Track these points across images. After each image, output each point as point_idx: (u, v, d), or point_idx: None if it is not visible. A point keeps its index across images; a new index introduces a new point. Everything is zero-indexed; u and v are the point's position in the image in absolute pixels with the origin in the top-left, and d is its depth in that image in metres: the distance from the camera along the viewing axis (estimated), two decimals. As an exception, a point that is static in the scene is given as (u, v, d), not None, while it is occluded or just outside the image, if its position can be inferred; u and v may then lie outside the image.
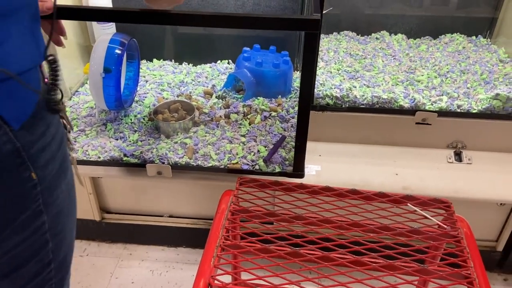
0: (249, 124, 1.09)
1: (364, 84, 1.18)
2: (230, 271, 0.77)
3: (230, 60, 1.37)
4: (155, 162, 0.98)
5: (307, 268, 0.74)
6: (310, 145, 1.12)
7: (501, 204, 1.15)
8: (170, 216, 1.30)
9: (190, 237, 1.33)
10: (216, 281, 0.73)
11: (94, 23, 1.17)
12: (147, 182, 1.20)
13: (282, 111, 1.13)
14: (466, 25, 1.42)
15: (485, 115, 1.08)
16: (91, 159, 1.03)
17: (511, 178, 1.07)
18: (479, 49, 1.35)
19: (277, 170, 0.97)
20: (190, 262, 1.33)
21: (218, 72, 1.31)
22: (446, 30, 1.43)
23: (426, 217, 0.84)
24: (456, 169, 1.10)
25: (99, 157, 1.01)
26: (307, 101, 0.86)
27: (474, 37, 1.41)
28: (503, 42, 1.35)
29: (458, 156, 1.12)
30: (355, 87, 1.15)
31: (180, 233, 1.31)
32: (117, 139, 1.04)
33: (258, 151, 1.00)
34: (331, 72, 1.23)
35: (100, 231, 1.35)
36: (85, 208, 1.26)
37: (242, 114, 1.12)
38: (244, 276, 0.77)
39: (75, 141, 1.06)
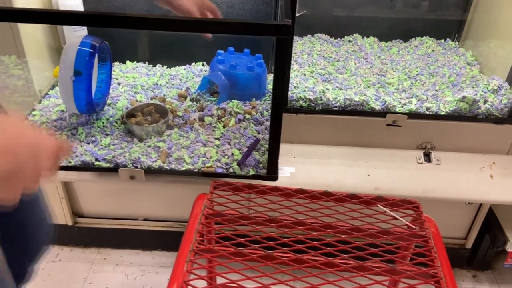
0: (224, 127, 1.09)
1: (337, 87, 1.19)
2: (204, 276, 0.77)
3: (204, 63, 1.36)
4: (128, 166, 0.97)
5: (280, 271, 0.75)
6: (284, 147, 1.14)
7: (469, 203, 1.19)
8: (145, 220, 1.29)
9: (166, 240, 1.32)
10: (189, 286, 0.72)
11: (64, 25, 1.14)
12: (120, 186, 1.19)
13: (256, 113, 1.14)
14: (435, 28, 1.46)
15: (453, 117, 1.12)
16: (61, 164, 1.01)
17: (478, 177, 1.11)
18: (448, 52, 1.39)
19: (251, 173, 0.98)
20: (166, 266, 1.32)
21: (193, 74, 1.31)
22: (416, 33, 1.47)
23: (395, 218, 0.86)
24: (426, 169, 1.13)
25: (70, 162, 0.99)
26: (280, 105, 0.87)
27: (443, 40, 1.45)
28: (470, 45, 1.39)
29: (427, 157, 1.15)
30: (328, 89, 1.17)
31: (155, 236, 1.30)
32: (88, 143, 1.03)
33: (232, 154, 1.01)
34: (304, 75, 1.25)
35: (72, 235, 1.32)
36: (57, 212, 1.24)
37: (217, 117, 1.12)
38: (218, 280, 0.77)
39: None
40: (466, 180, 1.10)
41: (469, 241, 1.28)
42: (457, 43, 1.44)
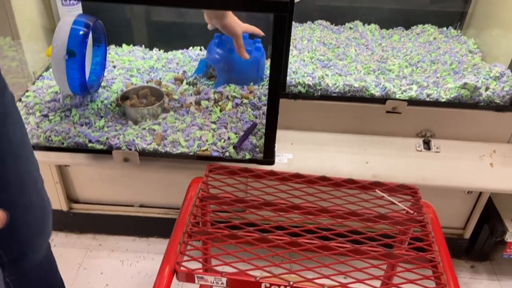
0: (220, 111, 1.07)
1: (337, 73, 1.18)
2: (197, 257, 0.75)
3: (202, 47, 1.34)
4: (122, 148, 0.96)
5: (275, 254, 0.74)
6: (282, 133, 1.12)
7: (468, 192, 1.18)
8: (141, 206, 1.28)
9: (162, 227, 1.31)
10: (182, 267, 0.71)
11: (58, 4, 1.12)
12: (115, 170, 1.17)
13: (254, 98, 1.12)
14: (437, 16, 1.44)
15: (453, 104, 1.10)
16: (54, 145, 0.99)
17: (478, 166, 1.09)
18: (450, 40, 1.37)
19: (247, 157, 0.96)
20: (162, 253, 1.28)
21: (190, 58, 1.29)
22: (418, 21, 1.45)
23: (393, 203, 0.84)
24: (425, 157, 1.11)
25: (63, 143, 0.97)
26: (276, 86, 0.85)
27: (445, 28, 1.43)
28: (472, 34, 1.37)
29: (427, 145, 1.14)
30: (328, 75, 1.15)
31: (151, 223, 1.29)
32: (82, 125, 1.01)
33: (229, 138, 0.99)
34: (304, 61, 1.23)
35: (68, 221, 1.31)
36: (52, 197, 1.22)
37: (213, 101, 1.10)
38: (212, 262, 0.75)
39: (37, 127, 1.02)
40: (465, 168, 1.09)
41: (467, 231, 1.27)
42: (459, 31, 1.42)
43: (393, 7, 1.44)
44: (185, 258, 0.74)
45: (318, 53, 1.27)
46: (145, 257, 1.30)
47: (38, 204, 0.75)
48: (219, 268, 0.70)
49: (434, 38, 1.38)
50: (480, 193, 1.18)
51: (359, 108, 1.12)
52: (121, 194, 1.25)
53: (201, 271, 0.71)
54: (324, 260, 0.72)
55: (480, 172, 1.08)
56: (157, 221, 1.28)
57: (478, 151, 1.13)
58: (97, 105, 1.06)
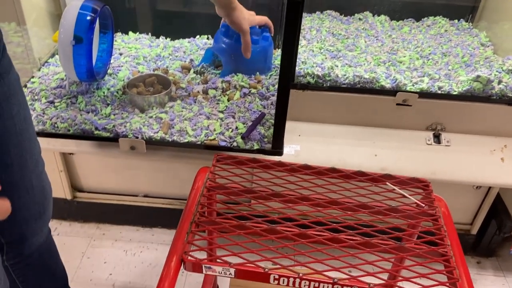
0: (228, 100, 1.06)
1: (346, 64, 1.16)
2: (205, 247, 0.74)
3: (209, 36, 1.32)
4: (129, 136, 0.94)
5: (284, 245, 0.72)
6: (289, 125, 1.10)
7: (477, 187, 1.16)
8: (145, 196, 1.27)
9: (166, 218, 1.30)
10: (189, 257, 0.70)
11: (65, -11, 1.10)
12: (121, 160, 1.16)
13: (262, 88, 1.10)
14: (448, 9, 1.41)
15: (465, 97, 1.08)
16: (60, 132, 0.98)
17: (488, 160, 1.08)
18: (461, 32, 1.35)
19: (256, 147, 0.95)
20: (166, 243, 1.30)
21: (197, 47, 1.27)
22: (428, 13, 1.42)
23: (404, 196, 0.83)
24: (435, 151, 1.10)
25: (69, 130, 0.96)
26: (288, 75, 0.83)
27: (456, 21, 1.40)
28: (484, 27, 1.35)
29: (437, 138, 1.12)
30: (337, 66, 1.13)
31: (155, 213, 1.28)
32: (88, 112, 0.99)
33: (237, 127, 0.97)
34: (313, 51, 1.21)
35: (71, 210, 1.30)
36: (56, 186, 1.21)
37: (221, 90, 1.08)
38: (219, 253, 0.74)
39: (43, 113, 1.01)
40: (475, 163, 1.07)
41: (474, 227, 1.26)
42: (470, 24, 1.39)
43: (403, -1, 1.42)
44: (192, 247, 0.73)
45: (327, 43, 1.25)
46: (148, 247, 1.29)
47: (39, 188, 0.74)
48: (226, 259, 0.69)
49: (445, 31, 1.36)
50: (489, 188, 1.17)
51: (368, 100, 1.10)
52: (125, 183, 1.24)
53: (209, 261, 0.70)
54: (334, 252, 0.70)
55: (490, 167, 1.07)
56: (161, 211, 1.27)
57: (489, 145, 1.11)
58: (103, 93, 1.05)
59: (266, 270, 0.68)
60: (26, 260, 0.79)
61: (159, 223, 1.33)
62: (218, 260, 0.70)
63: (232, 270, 0.70)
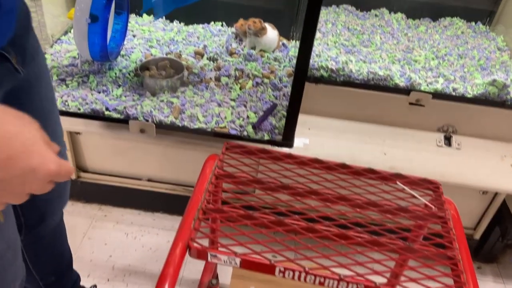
0: (240, 88, 1.05)
1: (361, 59, 1.14)
2: (211, 235, 0.73)
3: (223, 22, 1.30)
4: (139, 119, 0.93)
5: (291, 238, 0.72)
6: (300, 118, 1.08)
7: (483, 192, 1.15)
8: (149, 180, 1.26)
9: (168, 203, 1.29)
10: (195, 244, 0.69)
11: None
12: (127, 141, 1.15)
13: (275, 78, 1.09)
14: (466, 10, 1.39)
15: (480, 100, 1.07)
16: (70, 111, 0.97)
17: (498, 166, 1.07)
18: (478, 35, 1.33)
19: (266, 138, 0.94)
20: (166, 228, 1.30)
21: (211, 34, 1.25)
22: (445, 13, 1.41)
23: (414, 196, 0.82)
24: (445, 153, 1.09)
25: (79, 109, 0.95)
26: (305, 67, 0.82)
27: (473, 23, 1.38)
28: (501, 31, 1.33)
29: (448, 141, 1.11)
30: (351, 61, 1.11)
31: (158, 198, 1.28)
32: (99, 92, 0.98)
33: (248, 117, 0.96)
34: (327, 44, 1.19)
35: (75, 190, 1.30)
36: (61, 164, 1.21)
37: (234, 78, 1.07)
38: (224, 241, 0.74)
39: (54, 90, 0.99)
40: (484, 168, 1.06)
41: (478, 232, 1.25)
42: (488, 27, 1.37)
43: (421, -2, 1.40)
44: (199, 234, 0.72)
45: (342, 37, 1.23)
46: (149, 231, 1.28)
47: None
48: (232, 248, 0.68)
49: (462, 32, 1.34)
50: (495, 194, 1.16)
51: (381, 97, 1.09)
52: (130, 166, 1.23)
53: (216, 249, 0.69)
54: (341, 249, 0.70)
55: (499, 172, 1.06)
56: (164, 196, 1.27)
57: (500, 151, 1.10)
58: (115, 73, 1.04)
59: (272, 262, 0.68)
60: (40, 240, 0.79)
61: (160, 208, 1.33)
62: (223, 249, 0.69)
63: (238, 260, 0.69)
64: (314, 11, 0.76)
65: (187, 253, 0.71)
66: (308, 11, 0.76)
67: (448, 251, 0.72)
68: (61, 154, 0.73)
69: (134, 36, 1.19)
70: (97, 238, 1.24)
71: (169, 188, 1.26)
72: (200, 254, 0.70)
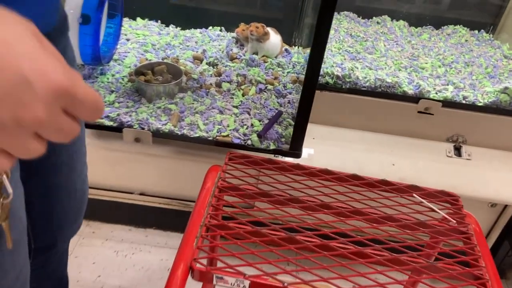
0: (243, 95, 0.98)
1: (366, 66, 1.09)
2: (216, 255, 0.66)
3: (222, 28, 1.25)
4: (134, 127, 0.86)
5: (304, 257, 0.65)
6: (304, 126, 1.04)
7: (492, 205, 1.10)
8: (141, 194, 1.18)
9: (162, 219, 1.21)
10: (198, 265, 0.62)
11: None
12: (121, 152, 1.07)
13: (279, 85, 1.03)
14: (469, 18, 1.37)
15: (491, 109, 1.03)
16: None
17: (508, 178, 1.02)
18: (482, 43, 1.30)
19: (272, 147, 0.88)
20: (160, 245, 1.21)
21: (209, 38, 1.19)
22: (448, 22, 1.38)
23: (433, 210, 0.76)
24: (454, 163, 1.04)
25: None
26: (316, 74, 0.77)
27: (476, 31, 1.36)
28: (505, 39, 1.30)
29: (458, 151, 1.06)
30: (357, 68, 1.06)
31: (151, 213, 1.20)
32: (90, 98, 0.91)
33: (252, 125, 0.90)
34: (331, 51, 1.14)
35: (61, 204, 1.21)
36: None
37: (236, 84, 1.01)
38: (231, 261, 0.67)
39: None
40: (494, 180, 1.02)
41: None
42: (491, 35, 1.35)
43: (423, 5, 1.37)
44: (202, 254, 0.65)
45: (346, 44, 1.19)
46: (141, 249, 1.20)
47: (80, 192, 0.68)
48: (239, 269, 0.61)
49: (466, 40, 1.31)
50: (505, 207, 1.11)
51: (389, 105, 1.04)
52: (121, 178, 1.15)
53: (221, 271, 0.62)
54: (359, 268, 0.63)
55: (509, 184, 1.01)
56: (157, 211, 1.19)
57: (511, 162, 1.05)
58: (107, 79, 0.97)
59: (285, 284, 0.61)
60: (47, 266, 0.72)
61: (154, 224, 1.25)
62: (230, 269, 0.62)
63: (247, 283, 0.62)
64: (327, 15, 0.71)
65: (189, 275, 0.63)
66: (320, 15, 0.70)
67: (474, 269, 0.66)
68: (84, 176, 0.67)
69: (127, 40, 1.13)
70: (85, 257, 1.16)
71: (163, 202, 1.18)
72: (204, 276, 0.63)
